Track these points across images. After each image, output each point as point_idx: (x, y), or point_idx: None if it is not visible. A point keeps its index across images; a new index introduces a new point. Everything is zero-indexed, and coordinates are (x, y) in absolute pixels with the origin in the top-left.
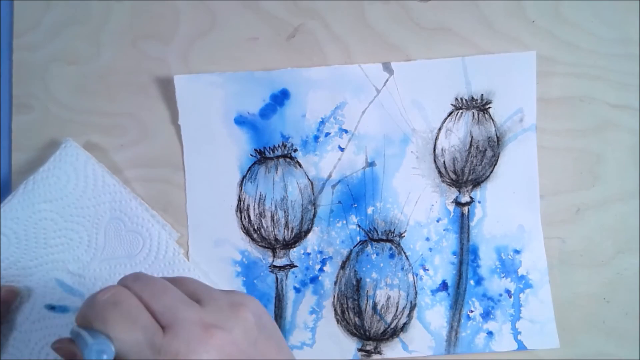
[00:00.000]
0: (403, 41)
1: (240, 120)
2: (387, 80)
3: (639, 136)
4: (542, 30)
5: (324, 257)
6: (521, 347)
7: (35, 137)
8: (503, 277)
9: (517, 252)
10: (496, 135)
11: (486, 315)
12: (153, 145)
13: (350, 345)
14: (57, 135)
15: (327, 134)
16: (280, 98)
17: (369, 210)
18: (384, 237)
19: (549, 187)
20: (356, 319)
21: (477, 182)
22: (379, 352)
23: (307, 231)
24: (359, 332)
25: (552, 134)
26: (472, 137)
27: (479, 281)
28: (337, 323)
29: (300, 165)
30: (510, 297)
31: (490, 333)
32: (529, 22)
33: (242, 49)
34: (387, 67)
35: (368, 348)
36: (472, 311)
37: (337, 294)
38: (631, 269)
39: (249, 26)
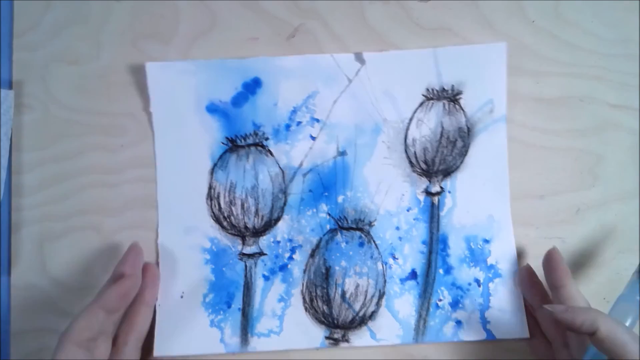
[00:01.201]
0: (403, 41)
1: (212, 108)
2: (358, 70)
3: (639, 136)
4: (542, 30)
5: (294, 245)
6: (490, 336)
7: (35, 137)
8: (472, 266)
9: (486, 241)
10: (467, 125)
11: (455, 304)
12: (153, 145)
13: (317, 333)
14: (57, 135)
15: (299, 123)
16: (252, 86)
17: (340, 199)
18: (354, 226)
19: (549, 187)
20: (324, 307)
21: (447, 172)
22: (347, 340)
23: (277, 219)
24: (327, 320)
25: (552, 134)
26: (442, 127)
27: (448, 270)
28: (306, 311)
29: (271, 153)
30: (480, 286)
31: (458, 322)
32: (529, 22)
33: (242, 49)
34: (358, 57)
35: (336, 336)
36: (440, 300)
37: (306, 282)
38: (631, 269)
39: (249, 26)
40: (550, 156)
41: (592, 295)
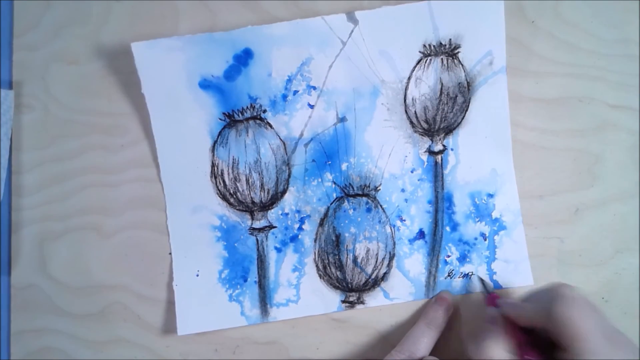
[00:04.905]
0: None
1: (205, 84)
2: (352, 31)
3: (638, 136)
4: (542, 30)
5: (302, 215)
6: (497, 286)
7: (35, 137)
8: (478, 221)
9: (490, 195)
10: (466, 80)
11: (462, 259)
12: (153, 145)
13: (334, 298)
14: (57, 135)
15: (295, 92)
16: (244, 58)
17: (343, 167)
18: (360, 192)
19: (549, 187)
20: (338, 273)
21: (449, 130)
22: (362, 302)
23: (283, 192)
24: (342, 285)
25: (552, 134)
26: (442, 84)
27: (454, 227)
28: (320, 278)
29: (270, 126)
30: (485, 239)
31: (466, 275)
32: (529, 22)
33: None
34: (351, 17)
35: (351, 299)
36: (448, 256)
37: (318, 251)
38: (630, 268)
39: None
40: (549, 156)
41: (592, 295)
